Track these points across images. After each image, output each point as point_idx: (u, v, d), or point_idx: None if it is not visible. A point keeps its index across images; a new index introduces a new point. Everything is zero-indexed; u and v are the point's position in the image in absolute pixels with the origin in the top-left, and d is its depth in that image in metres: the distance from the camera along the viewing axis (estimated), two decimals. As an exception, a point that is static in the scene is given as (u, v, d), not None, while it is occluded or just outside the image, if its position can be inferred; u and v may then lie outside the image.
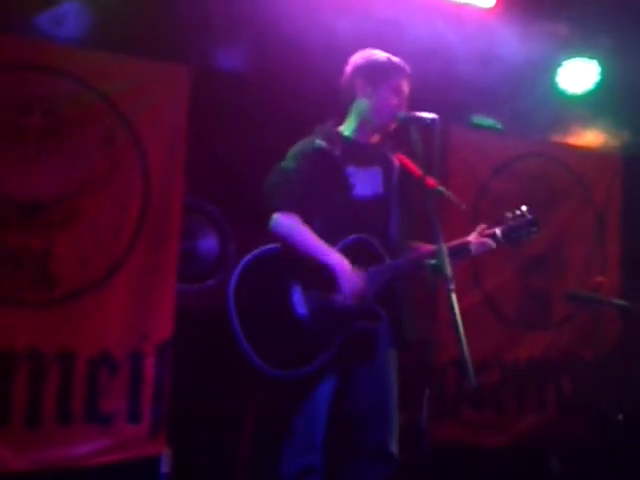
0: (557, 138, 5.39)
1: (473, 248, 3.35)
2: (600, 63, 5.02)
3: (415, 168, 3.26)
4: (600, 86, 5.08)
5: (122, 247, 3.94)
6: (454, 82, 4.55)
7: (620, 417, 4.49)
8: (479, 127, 5.14)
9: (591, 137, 5.42)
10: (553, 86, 5.12)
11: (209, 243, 4.63)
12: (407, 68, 3.37)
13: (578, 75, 5.08)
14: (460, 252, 3.35)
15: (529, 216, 3.41)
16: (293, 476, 3.22)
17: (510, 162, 5.16)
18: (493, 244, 3.36)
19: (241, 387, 4.27)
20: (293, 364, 3.16)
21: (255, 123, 4.37)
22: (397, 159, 3.43)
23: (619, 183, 5.45)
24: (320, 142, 3.34)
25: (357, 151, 3.37)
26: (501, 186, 5.11)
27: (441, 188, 3.33)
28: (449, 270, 2.84)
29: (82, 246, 3.87)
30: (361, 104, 3.38)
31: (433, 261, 2.91)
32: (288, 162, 3.34)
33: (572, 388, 5.25)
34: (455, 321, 2.72)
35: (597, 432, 4.75)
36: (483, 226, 3.40)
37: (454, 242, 3.37)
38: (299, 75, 4.15)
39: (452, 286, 2.79)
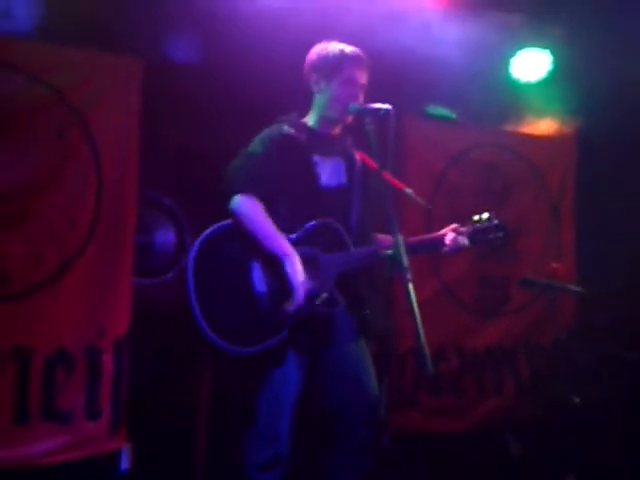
0: (511, 127, 5.43)
1: (447, 244, 3.39)
2: (552, 52, 5.06)
3: (374, 164, 3.26)
4: (553, 75, 5.13)
5: (77, 242, 3.89)
6: (407, 73, 4.56)
7: (577, 400, 4.56)
8: (434, 117, 5.16)
9: (545, 126, 5.47)
10: (506, 75, 5.15)
11: (166, 236, 4.60)
12: (361, 57, 3.36)
13: (531, 64, 5.12)
14: (433, 246, 3.41)
15: (495, 220, 3.49)
16: (259, 466, 3.22)
17: (465, 152, 5.19)
18: (467, 242, 3.41)
19: (202, 381, 4.26)
20: (245, 341, 3.15)
21: (209, 115, 4.35)
22: (358, 155, 3.46)
23: (573, 170, 5.51)
24: (287, 128, 3.36)
25: (321, 142, 3.40)
26: (457, 177, 5.15)
27: (408, 190, 3.37)
28: (406, 260, 2.87)
29: (35, 242, 3.81)
30: (317, 99, 3.43)
31: (390, 252, 2.94)
32: (254, 146, 3.34)
33: (529, 373, 5.32)
34: (413, 310, 2.75)
35: (554, 415, 4.82)
36: (455, 225, 3.44)
37: (428, 236, 3.42)
38: (252, 67, 4.13)
39: (409, 276, 2.82)
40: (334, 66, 3.33)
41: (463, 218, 3.50)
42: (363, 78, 3.35)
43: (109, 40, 4.00)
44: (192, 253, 3.20)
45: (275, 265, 3.19)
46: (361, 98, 3.34)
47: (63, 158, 3.88)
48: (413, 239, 3.34)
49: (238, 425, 3.37)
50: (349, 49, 3.37)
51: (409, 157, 4.91)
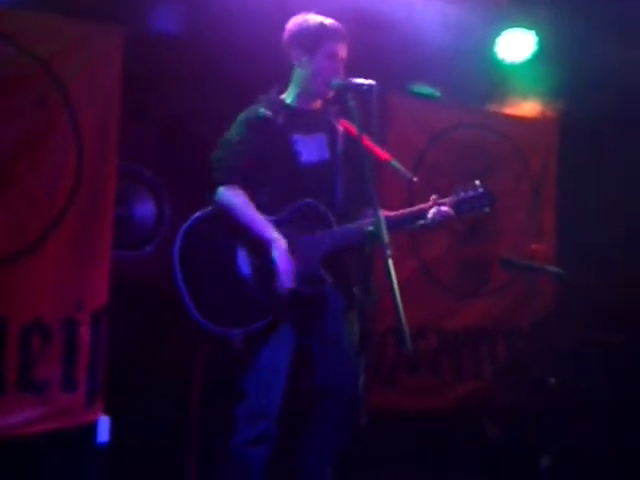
0: (495, 108, 5.44)
1: (430, 216, 3.31)
2: (538, 33, 5.05)
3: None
4: (537, 56, 5.13)
5: (56, 212, 3.85)
6: (392, 50, 4.55)
7: (552, 381, 4.59)
8: (418, 95, 5.15)
9: (528, 107, 5.48)
10: (491, 56, 5.15)
11: (146, 209, 4.58)
12: (341, 30, 3.34)
13: (516, 45, 5.11)
14: (417, 219, 3.35)
15: (481, 189, 3.36)
16: (247, 442, 3.21)
17: (448, 131, 5.18)
18: (452, 212, 3.32)
19: (180, 353, 4.26)
20: (235, 323, 3.18)
21: (192, 87, 4.32)
22: (341, 125, 3.43)
23: (555, 153, 5.52)
24: (264, 111, 3.35)
25: (301, 118, 3.38)
26: (438, 155, 5.14)
27: (393, 162, 3.34)
28: (386, 237, 2.86)
29: (14, 211, 3.77)
30: (298, 73, 3.40)
31: (370, 228, 2.93)
32: (232, 133, 3.35)
33: (508, 355, 5.34)
34: (392, 287, 2.75)
35: (532, 398, 4.85)
36: (434, 196, 3.36)
37: (410, 209, 3.39)
38: (235, 39, 4.10)
39: (389, 252, 2.81)
40: (316, 40, 3.30)
41: (443, 196, 3.46)
42: (344, 52, 3.34)
43: (92, 9, 3.95)
44: (177, 242, 3.24)
45: (261, 249, 3.21)
46: (342, 72, 3.31)
47: (45, 128, 3.83)
48: (395, 213, 3.33)
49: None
50: (329, 22, 3.35)
51: (391, 134, 4.89)
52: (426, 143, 5.12)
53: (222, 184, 3.28)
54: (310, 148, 3.38)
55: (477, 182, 3.38)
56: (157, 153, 4.38)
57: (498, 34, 5.09)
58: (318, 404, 3.38)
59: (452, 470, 4.70)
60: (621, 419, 4.71)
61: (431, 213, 3.31)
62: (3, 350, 3.73)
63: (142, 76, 4.14)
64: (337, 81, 3.24)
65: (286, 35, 3.39)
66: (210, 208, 3.32)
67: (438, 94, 5.15)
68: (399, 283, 2.75)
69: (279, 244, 3.19)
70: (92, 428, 3.98)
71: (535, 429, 4.71)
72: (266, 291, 3.20)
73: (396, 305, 2.73)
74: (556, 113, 5.48)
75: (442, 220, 3.30)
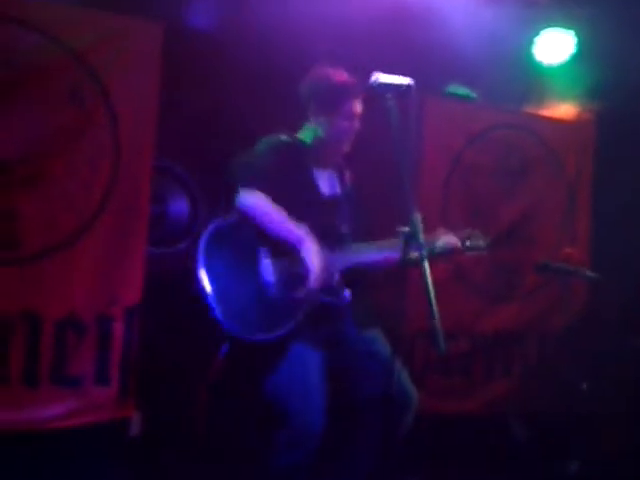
0: (531, 109, 5.39)
1: (442, 243, 3.47)
2: (577, 34, 5.00)
3: None
4: (576, 57, 5.07)
5: (92, 208, 3.87)
6: (428, 51, 4.53)
7: (584, 386, 4.55)
8: (454, 96, 5.12)
9: (565, 109, 5.42)
10: (529, 57, 5.10)
11: (180, 206, 4.59)
12: (358, 86, 3.35)
13: (555, 46, 5.06)
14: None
15: (477, 230, 3.63)
16: (289, 468, 3.17)
17: (484, 132, 5.14)
18: (459, 244, 3.50)
19: (210, 352, 4.27)
20: (257, 329, 3.18)
21: (227, 85, 4.31)
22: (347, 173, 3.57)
23: (591, 156, 5.46)
24: (286, 138, 3.40)
25: (315, 154, 3.45)
26: (474, 156, 5.11)
27: None
28: (422, 238, 2.86)
29: (49, 206, 3.78)
30: (314, 127, 3.47)
31: (406, 229, 2.93)
32: (257, 148, 3.37)
33: (539, 359, 5.30)
34: (427, 288, 2.74)
35: (562, 402, 4.81)
36: (443, 229, 3.54)
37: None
38: (272, 38, 4.11)
39: (425, 253, 2.81)
40: (335, 100, 3.37)
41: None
42: (360, 106, 3.42)
43: (131, 3, 3.96)
44: (201, 246, 3.24)
45: (286, 254, 3.22)
46: (358, 127, 3.42)
47: (80, 122, 3.83)
48: None
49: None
50: (345, 78, 3.38)
51: (427, 135, 4.88)
52: (463, 144, 5.09)
53: (246, 186, 3.25)
54: (326, 182, 3.47)
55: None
56: (190, 149, 4.39)
57: (537, 34, 5.04)
58: (358, 417, 3.37)
59: (480, 473, 4.67)
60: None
61: (441, 241, 3.48)
62: (37, 344, 3.76)
63: (175, 71, 4.14)
64: (377, 81, 3.22)
65: (305, 88, 3.45)
66: (224, 218, 3.32)
67: (474, 95, 5.12)
68: (433, 285, 2.75)
69: (309, 245, 3.19)
70: (124, 422, 4.01)
71: (564, 434, 4.67)
72: (288, 300, 3.21)
73: (431, 306, 2.74)
74: (593, 116, 5.42)
75: (451, 249, 3.50)
